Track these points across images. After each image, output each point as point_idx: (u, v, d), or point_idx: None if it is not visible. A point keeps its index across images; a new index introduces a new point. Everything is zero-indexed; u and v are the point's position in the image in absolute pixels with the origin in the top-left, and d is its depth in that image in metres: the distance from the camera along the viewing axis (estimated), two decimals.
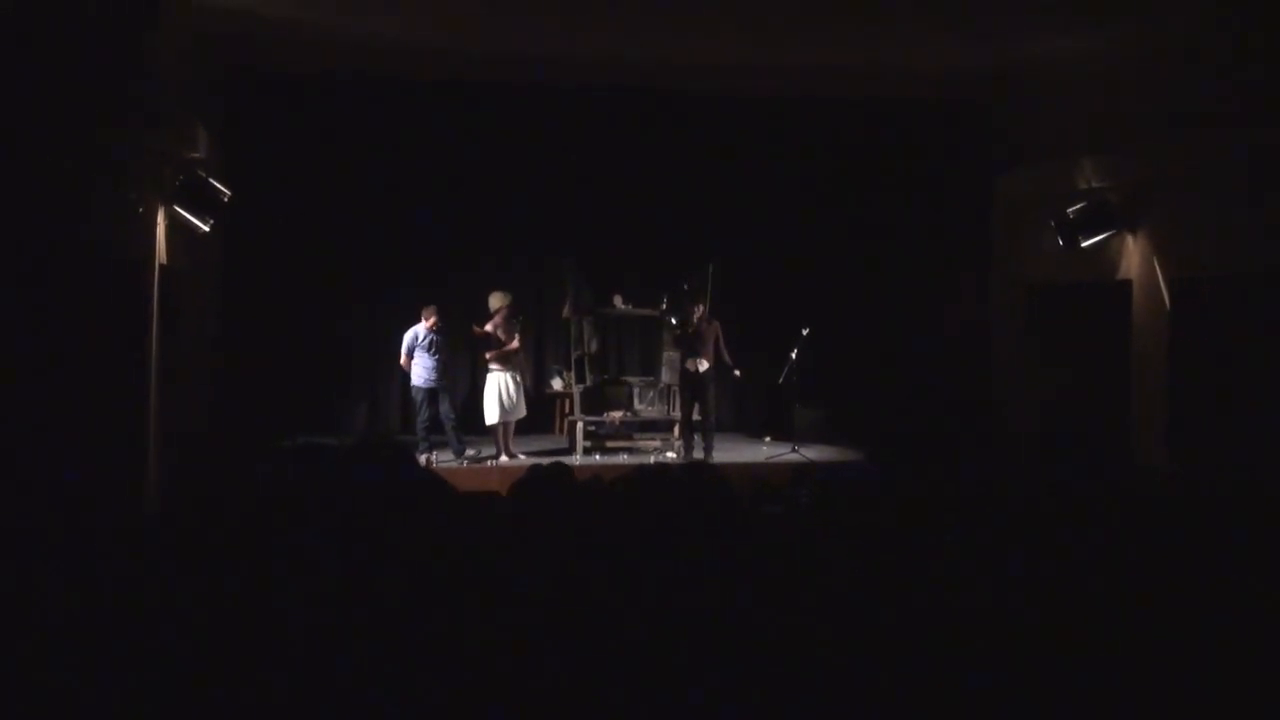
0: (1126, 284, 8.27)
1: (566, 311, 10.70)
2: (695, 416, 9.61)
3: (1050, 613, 2.68)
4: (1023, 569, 3.09)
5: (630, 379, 10.94)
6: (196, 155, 7.82)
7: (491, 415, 9.41)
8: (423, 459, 8.90)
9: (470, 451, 9.51)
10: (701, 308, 9.53)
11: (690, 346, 9.44)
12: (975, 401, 10.18)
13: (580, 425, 9.95)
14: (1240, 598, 2.78)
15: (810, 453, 9.74)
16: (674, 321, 10.02)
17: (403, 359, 9.38)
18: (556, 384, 11.31)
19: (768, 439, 10.83)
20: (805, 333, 9.79)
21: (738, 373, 9.67)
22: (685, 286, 10.11)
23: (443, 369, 9.40)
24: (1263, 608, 2.72)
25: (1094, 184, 8.52)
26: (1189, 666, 2.43)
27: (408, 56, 9.09)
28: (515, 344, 9.55)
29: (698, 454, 9.38)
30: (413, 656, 2.24)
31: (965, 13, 7.64)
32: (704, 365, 9.39)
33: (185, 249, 7.89)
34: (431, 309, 9.34)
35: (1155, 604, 2.75)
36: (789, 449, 9.83)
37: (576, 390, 10.22)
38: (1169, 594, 2.81)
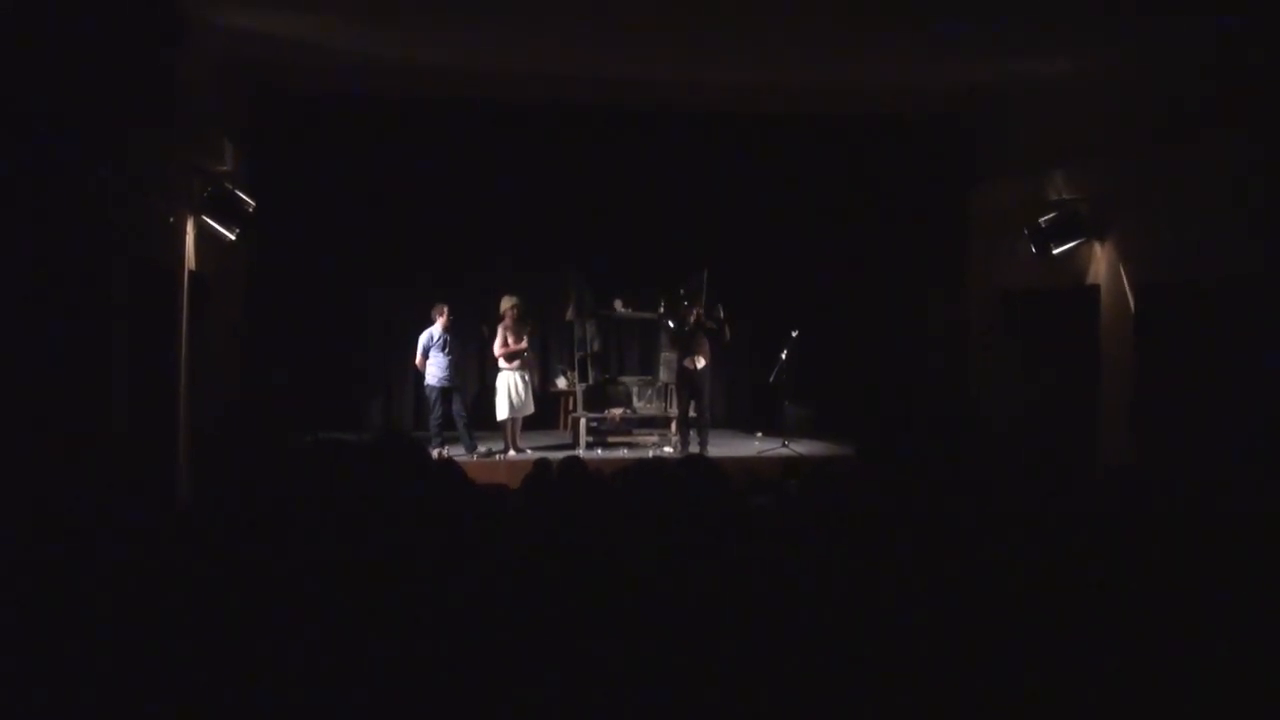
0: (1095, 289, 8.31)
1: (570, 314, 10.76)
2: (691, 413, 9.66)
3: (1029, 603, 2.68)
4: (1001, 560, 3.11)
5: (630, 378, 10.99)
6: (224, 168, 7.87)
7: (502, 412, 9.46)
8: (435, 454, 8.94)
9: (481, 448, 9.56)
10: (698, 310, 9.58)
11: (687, 346, 9.49)
12: (954, 399, 10.23)
13: (583, 421, 10.01)
14: (1207, 595, 2.76)
15: (799, 448, 9.79)
16: (670, 324, 10.07)
17: (418, 359, 9.42)
18: (561, 383, 11.36)
19: (759, 435, 10.89)
20: (795, 334, 9.83)
21: (721, 312, 9.63)
22: (682, 291, 10.16)
23: (455, 368, 9.46)
24: (1230, 605, 2.70)
25: (1065, 195, 8.56)
26: (1158, 661, 2.42)
27: (422, 76, 9.12)
28: (523, 344, 9.61)
29: (693, 449, 9.43)
30: (424, 647, 2.24)
31: (947, 39, 7.69)
32: (701, 363, 9.44)
33: (212, 256, 7.93)
34: (443, 308, 9.39)
35: (1125, 598, 2.75)
36: (779, 444, 9.86)
37: (579, 388, 10.29)
38: (1137, 589, 2.80)
